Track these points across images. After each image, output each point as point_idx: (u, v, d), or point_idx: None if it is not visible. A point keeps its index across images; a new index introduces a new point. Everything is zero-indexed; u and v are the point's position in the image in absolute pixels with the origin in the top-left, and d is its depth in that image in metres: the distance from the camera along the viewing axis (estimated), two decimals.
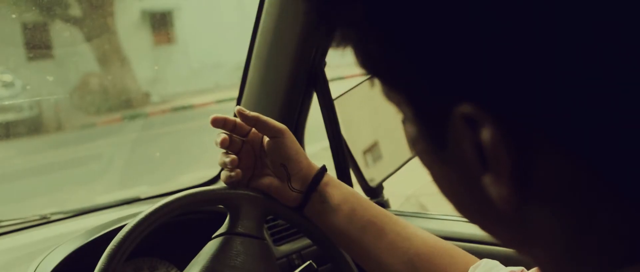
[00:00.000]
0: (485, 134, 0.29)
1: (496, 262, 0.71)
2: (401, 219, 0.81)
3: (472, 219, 0.36)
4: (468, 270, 0.73)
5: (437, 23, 0.28)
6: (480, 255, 0.77)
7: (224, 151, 0.83)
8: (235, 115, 0.82)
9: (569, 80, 0.26)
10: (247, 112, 0.81)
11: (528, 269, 0.63)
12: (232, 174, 0.81)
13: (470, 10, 0.27)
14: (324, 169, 0.83)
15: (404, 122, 0.36)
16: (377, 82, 0.35)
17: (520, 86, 0.27)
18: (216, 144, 0.82)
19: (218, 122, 0.81)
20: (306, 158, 0.83)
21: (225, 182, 0.83)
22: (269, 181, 0.83)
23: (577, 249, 0.31)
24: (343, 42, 0.34)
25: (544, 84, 0.27)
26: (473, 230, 1.02)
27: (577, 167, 0.28)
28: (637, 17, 0.25)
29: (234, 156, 0.81)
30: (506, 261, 0.70)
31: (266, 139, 0.83)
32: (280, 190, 0.82)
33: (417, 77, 0.31)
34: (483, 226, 0.36)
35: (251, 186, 0.84)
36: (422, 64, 0.30)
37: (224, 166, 0.82)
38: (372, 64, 0.33)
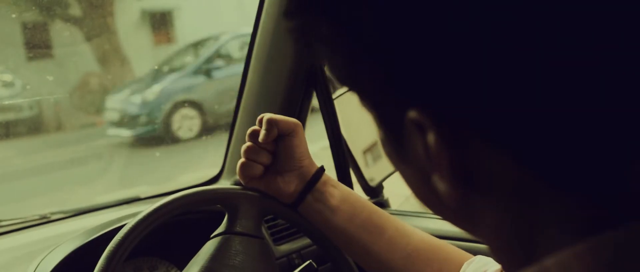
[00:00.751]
0: (430, 137, 0.33)
1: (490, 259, 0.72)
2: (397, 217, 0.82)
3: (433, 211, 0.40)
4: (462, 266, 0.74)
5: (387, 40, 0.32)
6: (485, 255, 0.77)
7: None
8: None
9: (493, 86, 0.30)
10: (263, 119, 0.82)
11: None
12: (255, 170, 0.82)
13: (407, 29, 0.31)
14: (322, 169, 0.83)
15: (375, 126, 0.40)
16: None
17: (454, 93, 0.31)
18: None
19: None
20: (309, 156, 0.84)
21: (245, 175, 0.83)
22: (269, 176, 0.83)
23: (520, 237, 0.34)
24: (318, 56, 0.38)
25: (474, 90, 0.30)
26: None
27: (508, 162, 0.32)
28: (556, 14, 0.28)
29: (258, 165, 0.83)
30: None
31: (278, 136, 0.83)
32: (278, 185, 0.82)
33: (374, 87, 0.35)
34: (443, 216, 0.40)
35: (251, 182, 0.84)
36: (377, 76, 0.34)
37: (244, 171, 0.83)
38: (339, 75, 0.38)
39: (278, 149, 0.83)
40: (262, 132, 0.82)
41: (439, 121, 0.32)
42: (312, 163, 0.84)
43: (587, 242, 0.31)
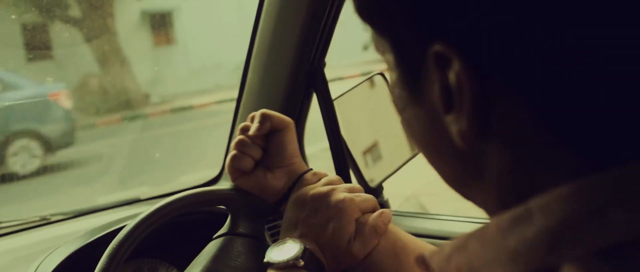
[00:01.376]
0: (452, 74, 0.33)
1: None
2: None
3: (430, 159, 0.41)
4: None
5: None
6: None
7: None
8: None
9: (530, 33, 0.31)
10: (256, 114, 0.82)
11: None
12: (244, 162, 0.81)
13: None
14: (309, 171, 0.82)
15: (388, 69, 0.41)
16: (371, 33, 0.40)
17: (486, 29, 0.32)
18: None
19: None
20: (299, 155, 0.83)
21: (235, 167, 0.82)
22: (257, 171, 0.82)
23: (519, 188, 0.34)
24: None
25: (507, 31, 0.31)
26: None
27: (526, 111, 0.32)
28: None
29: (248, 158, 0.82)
30: None
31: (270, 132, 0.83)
32: (267, 181, 0.81)
33: (400, 19, 0.35)
34: (436, 166, 0.41)
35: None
36: (407, 6, 0.35)
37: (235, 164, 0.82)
38: (366, 9, 0.38)
39: (270, 145, 0.83)
40: (255, 124, 0.81)
41: (466, 56, 0.33)
42: (301, 162, 0.83)
43: (570, 185, 0.31)
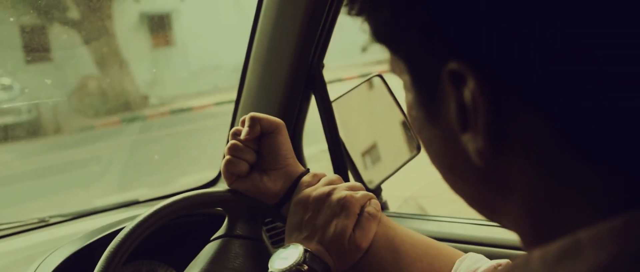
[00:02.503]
0: (467, 91, 0.33)
1: (481, 256, 0.72)
2: (383, 215, 0.81)
3: (451, 182, 0.40)
4: (454, 263, 0.74)
5: None
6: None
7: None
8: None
9: (547, 47, 0.30)
10: (245, 117, 0.82)
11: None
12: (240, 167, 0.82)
13: None
14: (306, 171, 0.83)
15: (405, 90, 0.40)
16: (386, 57, 0.40)
17: (502, 46, 0.31)
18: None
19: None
20: (293, 156, 0.84)
21: (230, 172, 0.82)
22: (253, 174, 0.82)
23: (546, 206, 0.34)
24: (360, 11, 0.39)
25: (524, 46, 0.31)
26: (472, 232, 1.02)
27: (547, 126, 0.32)
28: None
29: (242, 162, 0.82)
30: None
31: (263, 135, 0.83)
32: (265, 184, 0.81)
33: (416, 37, 0.35)
34: (459, 188, 0.40)
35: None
36: (423, 26, 0.34)
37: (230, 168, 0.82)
38: (382, 30, 0.38)
39: (263, 147, 0.83)
40: (245, 129, 0.81)
41: (480, 73, 0.32)
42: (296, 162, 0.84)
43: (623, 218, 0.30)
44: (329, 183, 0.79)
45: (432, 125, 0.38)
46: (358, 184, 0.80)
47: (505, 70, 0.32)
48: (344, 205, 0.75)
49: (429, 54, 0.35)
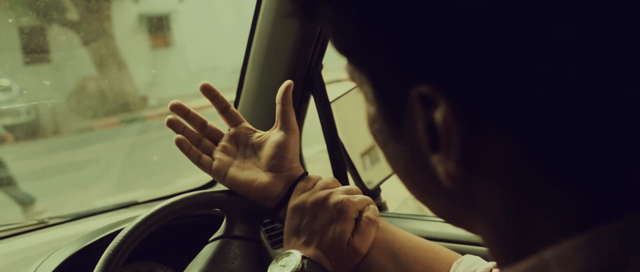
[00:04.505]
0: (439, 114, 0.32)
1: (478, 258, 0.72)
2: (381, 219, 0.81)
3: (418, 196, 0.39)
4: (451, 265, 0.74)
5: (407, 8, 0.31)
6: (481, 257, 0.77)
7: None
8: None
9: (518, 70, 0.30)
10: (289, 97, 0.83)
11: None
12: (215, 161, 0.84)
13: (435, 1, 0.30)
14: (305, 174, 0.82)
15: (366, 102, 0.39)
16: (344, 61, 0.38)
17: (473, 70, 0.31)
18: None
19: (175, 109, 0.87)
20: (298, 164, 0.84)
21: (211, 169, 0.84)
22: (254, 175, 0.82)
23: (515, 226, 0.34)
24: (321, 20, 0.36)
25: (496, 70, 0.30)
26: (471, 233, 1.02)
27: (518, 149, 0.32)
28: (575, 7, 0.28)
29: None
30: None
31: (274, 131, 0.84)
32: (266, 186, 0.81)
33: (382, 56, 0.34)
34: (426, 202, 0.39)
35: (233, 178, 0.83)
36: (389, 45, 0.33)
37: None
38: (344, 42, 0.36)
39: (273, 146, 0.83)
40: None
41: (451, 96, 0.32)
42: (299, 168, 0.83)
43: (586, 235, 0.30)
44: (325, 187, 0.79)
45: (397, 141, 0.37)
46: (355, 187, 0.80)
47: (477, 93, 0.31)
48: (341, 209, 0.74)
49: (396, 75, 0.34)
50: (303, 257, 0.71)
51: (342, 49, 0.37)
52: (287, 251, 0.74)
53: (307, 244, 0.74)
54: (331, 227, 0.74)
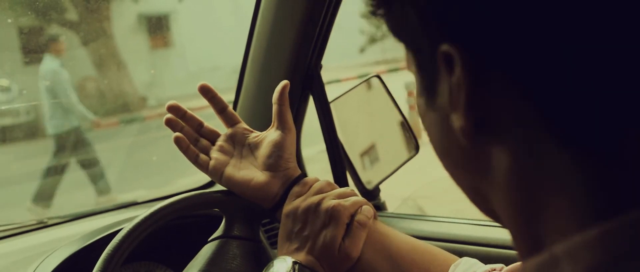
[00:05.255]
0: (456, 71, 0.34)
1: (475, 261, 0.73)
2: (378, 221, 0.81)
3: (446, 166, 0.41)
4: (449, 268, 0.74)
5: None
6: (480, 258, 0.77)
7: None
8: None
9: (531, 32, 0.31)
10: (285, 97, 0.84)
11: (506, 266, 0.64)
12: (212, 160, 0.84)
13: None
14: (302, 175, 0.83)
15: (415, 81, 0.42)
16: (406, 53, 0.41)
17: (483, 27, 0.33)
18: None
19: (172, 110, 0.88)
20: (295, 164, 0.84)
21: (208, 168, 0.84)
22: (251, 174, 0.82)
23: (526, 189, 0.35)
24: (378, 9, 0.40)
25: (509, 30, 0.32)
26: (469, 232, 1.02)
27: (524, 106, 0.33)
28: None
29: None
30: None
31: (271, 131, 0.84)
32: (263, 185, 0.81)
33: (416, 25, 0.37)
34: (453, 174, 0.41)
35: (229, 177, 0.83)
36: (420, 12, 0.36)
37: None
38: (391, 23, 0.40)
39: (270, 144, 0.83)
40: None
41: (466, 53, 0.34)
42: (296, 168, 0.83)
43: (596, 229, 0.31)
44: (319, 191, 0.79)
45: (431, 109, 0.39)
46: (349, 189, 0.80)
47: (489, 49, 0.33)
48: (332, 215, 0.75)
49: (426, 39, 0.37)
50: (294, 263, 0.72)
51: (392, 30, 0.40)
52: (278, 257, 0.74)
53: (299, 250, 0.75)
54: (323, 233, 0.74)
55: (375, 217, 0.78)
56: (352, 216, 0.76)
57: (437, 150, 0.42)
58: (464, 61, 0.34)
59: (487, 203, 0.39)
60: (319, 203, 0.76)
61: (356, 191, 0.82)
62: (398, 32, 0.40)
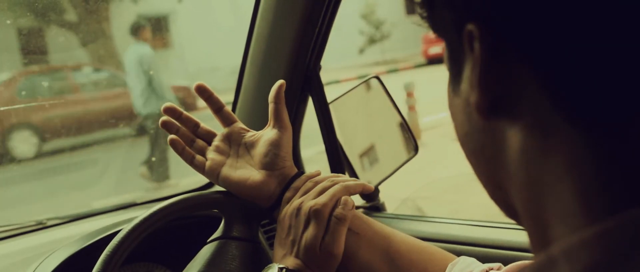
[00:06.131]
0: (475, 47, 0.35)
1: (473, 259, 0.73)
2: (376, 221, 0.81)
3: (467, 153, 0.42)
4: (446, 267, 0.74)
5: None
6: (479, 259, 0.77)
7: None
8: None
9: (544, 6, 0.32)
10: (281, 96, 0.85)
11: (505, 266, 0.64)
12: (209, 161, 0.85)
13: None
14: (299, 173, 0.83)
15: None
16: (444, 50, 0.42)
17: (506, 6, 0.34)
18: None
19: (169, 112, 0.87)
20: (291, 163, 0.84)
21: (205, 169, 0.84)
22: (247, 174, 0.82)
23: (535, 171, 0.35)
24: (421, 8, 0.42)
25: (525, 6, 0.33)
26: (468, 233, 1.02)
27: (536, 83, 0.34)
28: None
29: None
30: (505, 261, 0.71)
31: (267, 130, 0.84)
32: (260, 184, 0.82)
33: (446, 12, 0.38)
34: (472, 161, 0.42)
35: (226, 177, 0.83)
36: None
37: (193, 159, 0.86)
38: (426, 15, 0.41)
39: (266, 143, 0.83)
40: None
41: (486, 30, 0.35)
42: (293, 167, 0.84)
43: (593, 229, 0.31)
44: (305, 192, 0.80)
45: (456, 95, 0.40)
46: (327, 182, 0.80)
47: (506, 27, 0.34)
48: (311, 215, 0.75)
49: (453, 23, 0.38)
50: (280, 269, 0.73)
51: (429, 22, 0.41)
52: (268, 266, 0.75)
53: (287, 255, 0.76)
54: (304, 235, 0.75)
55: (352, 208, 0.78)
56: (331, 212, 0.76)
57: (459, 137, 0.42)
58: (483, 38, 0.35)
59: (506, 198, 0.39)
60: (299, 207, 0.77)
61: (344, 176, 0.83)
62: (436, 28, 0.42)
